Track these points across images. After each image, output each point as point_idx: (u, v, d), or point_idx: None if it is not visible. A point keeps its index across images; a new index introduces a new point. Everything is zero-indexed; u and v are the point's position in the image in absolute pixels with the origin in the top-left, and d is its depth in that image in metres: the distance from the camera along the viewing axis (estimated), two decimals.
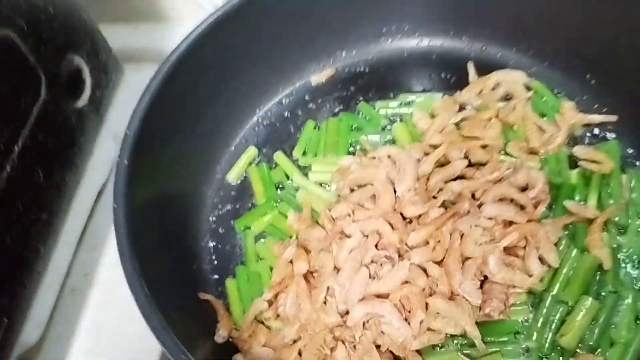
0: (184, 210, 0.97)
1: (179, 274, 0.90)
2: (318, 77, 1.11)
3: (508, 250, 0.81)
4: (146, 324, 0.68)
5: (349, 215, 0.88)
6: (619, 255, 0.83)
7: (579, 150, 0.92)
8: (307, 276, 0.85)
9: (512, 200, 0.85)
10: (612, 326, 0.78)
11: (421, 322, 0.76)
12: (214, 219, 0.99)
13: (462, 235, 0.81)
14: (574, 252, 0.82)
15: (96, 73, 1.05)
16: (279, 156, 1.02)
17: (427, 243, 0.82)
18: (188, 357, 0.65)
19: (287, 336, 0.80)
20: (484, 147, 0.93)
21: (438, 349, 0.79)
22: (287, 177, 1.00)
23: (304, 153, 1.03)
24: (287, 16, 1.03)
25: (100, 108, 1.08)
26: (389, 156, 0.93)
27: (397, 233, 0.84)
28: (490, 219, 0.82)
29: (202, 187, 1.02)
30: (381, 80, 1.10)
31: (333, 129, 1.03)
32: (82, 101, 1.01)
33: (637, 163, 0.92)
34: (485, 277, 0.80)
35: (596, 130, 0.97)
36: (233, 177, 1.02)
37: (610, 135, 0.96)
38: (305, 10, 1.03)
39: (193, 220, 0.98)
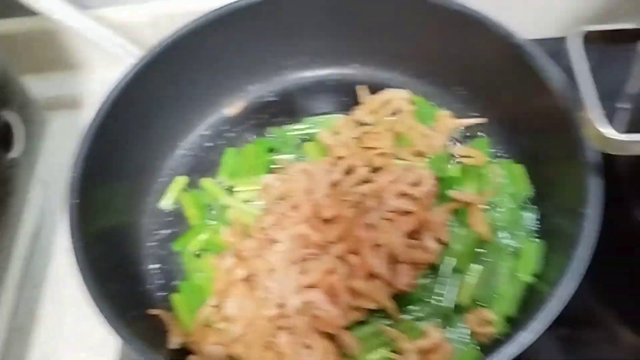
0: (126, 239, 1.06)
1: (129, 296, 0.98)
2: (231, 109, 1.23)
3: (410, 235, 0.96)
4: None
5: (276, 224, 1.00)
6: (496, 229, 1.00)
7: (456, 149, 1.11)
8: (247, 282, 0.96)
9: (407, 195, 1.01)
10: (496, 284, 0.95)
11: (346, 302, 0.89)
12: (155, 244, 1.08)
13: (371, 228, 0.96)
14: (461, 230, 0.98)
15: (25, 125, 1.12)
16: (205, 182, 1.13)
17: (344, 238, 0.96)
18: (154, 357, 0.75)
19: (235, 332, 0.90)
20: (380, 154, 1.09)
21: (363, 324, 0.92)
22: (216, 199, 1.11)
23: (228, 177, 1.14)
24: (200, 61, 1.16)
25: (30, 157, 1.15)
26: (304, 170, 1.07)
27: (318, 233, 0.97)
28: (392, 211, 0.97)
29: (140, 217, 1.11)
30: (289, 107, 1.24)
31: (251, 152, 1.16)
32: (15, 153, 1.08)
33: (503, 154, 1.11)
34: (395, 260, 0.94)
35: (470, 132, 1.15)
36: (166, 204, 1.12)
37: (481, 134, 1.14)
38: (215, 55, 1.18)
39: (136, 248, 1.07)
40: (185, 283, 1.01)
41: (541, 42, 1.02)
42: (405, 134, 1.14)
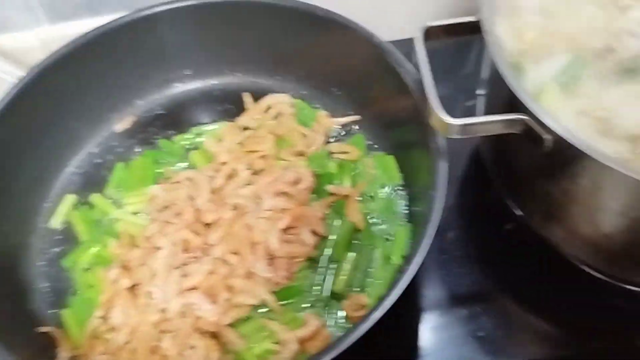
0: (15, 260, 1.06)
1: (18, 316, 0.98)
2: (121, 125, 1.25)
3: (287, 231, 1.01)
4: None
5: (160, 232, 1.03)
6: (371, 218, 1.06)
7: (332, 146, 1.16)
8: (132, 291, 0.98)
9: (286, 194, 1.05)
10: (370, 270, 1.00)
11: (227, 300, 0.92)
12: (44, 262, 1.08)
13: (249, 227, 1.00)
14: (337, 221, 1.04)
15: None
16: (95, 198, 1.14)
17: (224, 239, 0.99)
18: None
19: (120, 340, 0.92)
20: (262, 157, 1.13)
21: (246, 320, 0.96)
22: (105, 214, 1.12)
23: (117, 190, 1.15)
24: (84, 79, 1.18)
25: None
26: (187, 178, 1.10)
27: (200, 237, 1.00)
28: (269, 210, 1.02)
29: (28, 238, 1.10)
30: (177, 118, 1.26)
31: (139, 165, 1.18)
32: None
33: (377, 147, 1.17)
34: (273, 255, 0.98)
35: (347, 129, 1.21)
36: (56, 222, 1.12)
37: (357, 131, 1.20)
38: (99, 73, 1.19)
39: (25, 268, 1.07)
40: (75, 298, 1.02)
41: (398, 42, 1.09)
42: (286, 136, 1.18)
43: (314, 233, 1.02)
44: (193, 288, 0.95)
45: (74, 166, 1.21)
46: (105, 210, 1.13)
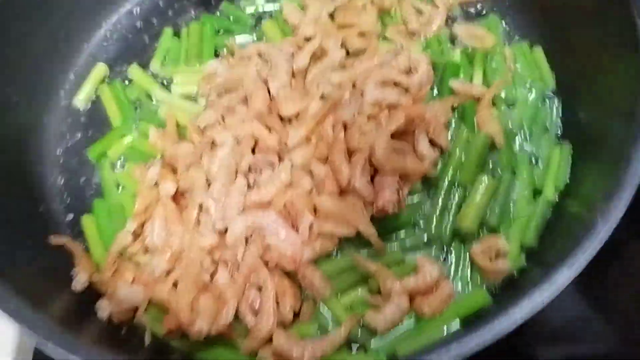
0: (23, 146, 0.78)
1: (22, 220, 0.70)
2: None
3: (397, 137, 0.68)
4: None
5: (219, 122, 0.72)
6: (511, 130, 0.73)
7: (459, 28, 0.82)
8: (177, 198, 0.69)
9: (395, 85, 0.72)
10: (511, 203, 0.69)
11: (310, 227, 0.62)
12: (62, 151, 0.80)
13: (345, 127, 0.68)
14: (465, 132, 0.71)
15: None
16: (133, 70, 0.84)
17: (309, 141, 0.68)
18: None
19: (158, 268, 0.64)
20: (361, 34, 0.80)
21: (334, 257, 0.66)
22: (147, 95, 0.82)
23: (163, 65, 0.84)
24: None
25: None
26: (259, 54, 0.78)
27: (274, 135, 0.69)
28: (373, 105, 0.69)
29: (44, 116, 0.82)
30: None
31: (195, 34, 0.86)
32: None
33: (517, 37, 0.82)
34: (376, 170, 0.67)
35: (473, 9, 0.85)
36: (81, 100, 0.83)
37: (494, 11, 0.85)
38: None
39: (36, 157, 0.79)
40: (100, 202, 0.74)
41: None
42: (393, 9, 0.84)
43: (433, 144, 0.70)
44: (264, 205, 0.64)
45: (107, 29, 0.90)
46: (146, 87, 0.82)
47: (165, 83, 0.83)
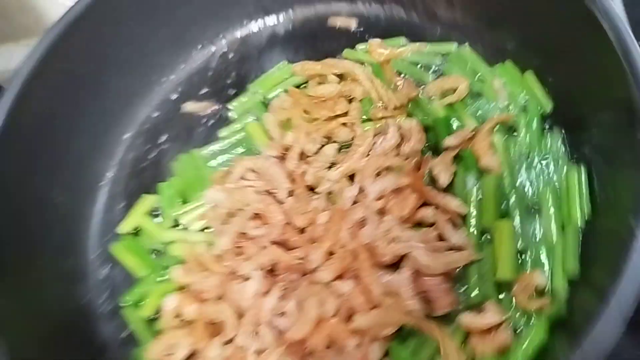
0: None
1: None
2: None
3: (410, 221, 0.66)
4: None
5: (237, 247, 0.70)
6: (515, 158, 0.72)
7: (430, 89, 0.80)
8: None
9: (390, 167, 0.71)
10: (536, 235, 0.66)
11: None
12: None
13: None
14: (472, 181, 0.69)
15: None
16: (143, 221, 0.82)
17: (330, 254, 0.65)
18: None
19: None
20: (343, 125, 0.78)
21: None
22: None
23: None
24: None
25: None
26: (250, 170, 0.76)
27: (293, 252, 0.67)
28: (379, 198, 0.67)
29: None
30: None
31: (188, 167, 0.84)
32: None
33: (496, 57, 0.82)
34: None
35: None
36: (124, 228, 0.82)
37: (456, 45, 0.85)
38: None
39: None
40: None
41: None
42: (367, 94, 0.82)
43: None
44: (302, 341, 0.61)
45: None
46: (155, 234, 0.80)
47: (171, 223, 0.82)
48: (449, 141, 0.73)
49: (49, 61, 0.76)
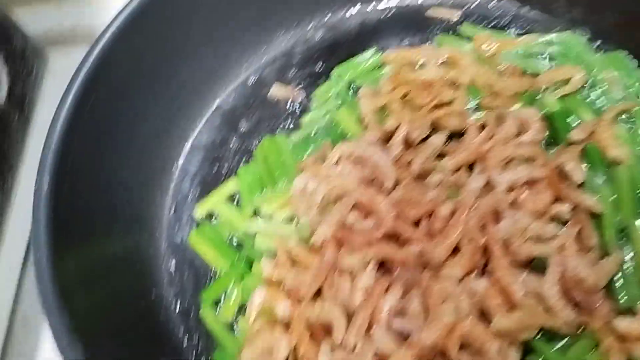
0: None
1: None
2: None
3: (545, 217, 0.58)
4: None
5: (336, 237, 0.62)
6: None
7: (544, 79, 0.72)
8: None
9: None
10: None
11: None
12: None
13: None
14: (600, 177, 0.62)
15: (11, 64, 0.79)
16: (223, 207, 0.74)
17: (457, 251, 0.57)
18: None
19: None
20: (452, 114, 0.71)
21: None
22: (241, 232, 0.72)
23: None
24: None
25: (24, 106, 0.82)
26: (346, 157, 0.68)
27: (409, 247, 0.58)
28: (510, 190, 0.59)
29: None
30: None
31: (271, 152, 0.76)
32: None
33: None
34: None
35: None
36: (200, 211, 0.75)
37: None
38: None
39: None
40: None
41: None
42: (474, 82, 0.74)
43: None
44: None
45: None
46: (236, 223, 0.72)
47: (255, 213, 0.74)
48: (576, 134, 0.66)
49: (137, 21, 0.69)
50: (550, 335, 0.55)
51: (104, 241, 0.68)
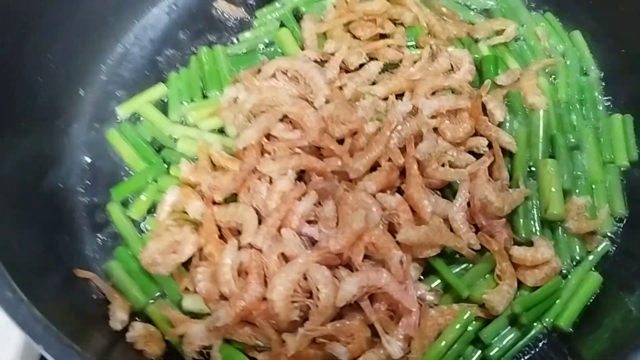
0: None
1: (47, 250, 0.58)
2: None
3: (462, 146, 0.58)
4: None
5: (262, 143, 0.58)
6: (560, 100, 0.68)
7: (480, 27, 0.72)
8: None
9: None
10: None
11: (401, 262, 0.49)
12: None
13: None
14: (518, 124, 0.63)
15: None
16: (145, 108, 0.68)
17: (377, 166, 0.55)
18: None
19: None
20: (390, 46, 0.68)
21: None
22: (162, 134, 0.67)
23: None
24: None
25: None
26: (282, 71, 0.64)
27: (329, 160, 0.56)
28: (433, 117, 0.58)
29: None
30: None
31: (209, 61, 0.72)
32: None
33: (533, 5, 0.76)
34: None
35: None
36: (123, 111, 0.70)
37: None
38: None
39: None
40: (123, 249, 0.61)
41: None
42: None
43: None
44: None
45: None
46: (159, 125, 0.68)
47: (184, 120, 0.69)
48: (501, 79, 0.66)
49: None
50: (450, 260, 0.56)
51: (20, 127, 0.61)
